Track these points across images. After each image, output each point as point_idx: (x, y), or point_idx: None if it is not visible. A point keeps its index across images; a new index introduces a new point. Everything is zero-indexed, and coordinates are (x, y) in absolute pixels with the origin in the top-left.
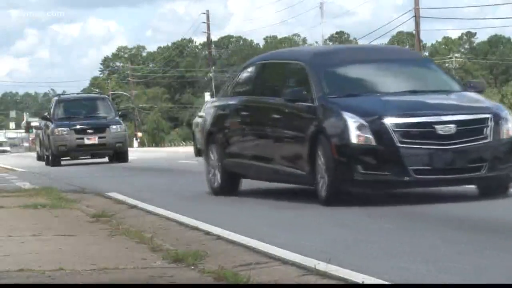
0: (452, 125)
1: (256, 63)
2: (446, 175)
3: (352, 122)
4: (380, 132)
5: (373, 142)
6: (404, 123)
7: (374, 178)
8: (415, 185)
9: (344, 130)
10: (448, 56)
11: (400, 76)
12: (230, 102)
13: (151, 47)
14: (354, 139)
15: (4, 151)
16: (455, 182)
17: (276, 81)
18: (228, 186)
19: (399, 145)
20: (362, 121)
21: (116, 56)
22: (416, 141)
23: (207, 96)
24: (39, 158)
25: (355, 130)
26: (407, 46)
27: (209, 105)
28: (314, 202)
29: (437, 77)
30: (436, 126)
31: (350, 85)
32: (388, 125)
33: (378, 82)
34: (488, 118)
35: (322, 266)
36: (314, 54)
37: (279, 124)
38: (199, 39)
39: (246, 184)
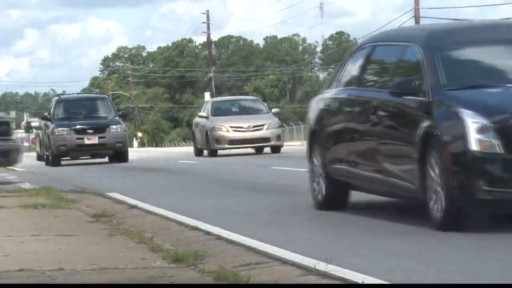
0: None
1: (364, 47)
2: None
3: (472, 122)
4: (509, 135)
5: (500, 149)
6: None
7: (501, 196)
8: None
9: (462, 133)
10: None
11: None
12: (336, 96)
13: (151, 47)
14: (474, 145)
15: None
16: None
17: (384, 69)
18: (334, 199)
19: None
20: (485, 122)
21: (116, 56)
22: None
23: (207, 96)
24: (39, 158)
25: (476, 133)
26: None
27: (315, 99)
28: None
29: None
30: None
31: (475, 73)
32: None
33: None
34: None
35: (322, 266)
36: (430, 33)
37: (384, 124)
38: (199, 39)
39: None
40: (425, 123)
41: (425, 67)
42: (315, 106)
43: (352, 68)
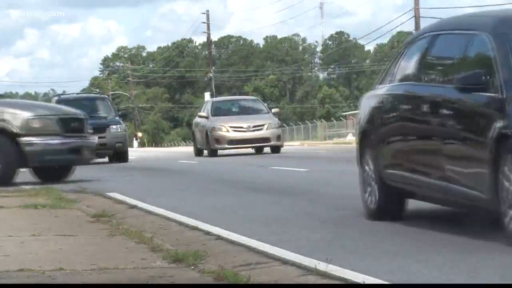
0: None
1: (423, 36)
2: None
3: None
4: None
5: None
6: None
7: None
8: None
9: None
10: None
11: None
12: (390, 92)
13: (151, 47)
14: None
15: None
16: None
17: (447, 61)
18: (388, 207)
19: None
20: None
21: (116, 56)
22: None
23: (207, 96)
24: None
25: None
26: None
27: (365, 96)
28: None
29: None
30: None
31: None
32: None
33: None
34: None
35: (322, 266)
36: (500, 20)
37: (448, 124)
38: (199, 39)
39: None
40: (498, 123)
41: (496, 59)
42: (366, 103)
43: (409, 61)
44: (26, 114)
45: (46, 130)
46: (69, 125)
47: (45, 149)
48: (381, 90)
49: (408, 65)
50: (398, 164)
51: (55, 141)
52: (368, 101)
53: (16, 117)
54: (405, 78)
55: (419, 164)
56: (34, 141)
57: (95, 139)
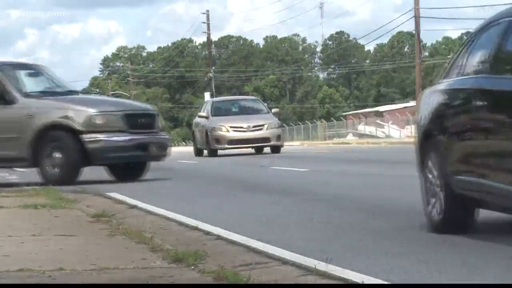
0: None
1: (497, 22)
2: None
3: None
4: None
5: None
6: None
7: None
8: None
9: None
10: (448, 56)
11: None
12: (459, 86)
13: (151, 47)
14: None
15: None
16: None
17: None
18: (456, 218)
19: None
20: None
21: (116, 56)
22: None
23: (207, 96)
24: None
25: None
26: (407, 46)
27: (427, 91)
28: None
29: None
30: None
31: None
32: None
33: None
34: None
35: (322, 266)
36: None
37: None
38: (199, 39)
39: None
40: None
41: None
42: (429, 100)
43: (481, 51)
44: (90, 111)
45: (110, 126)
46: (136, 121)
47: (108, 146)
48: (447, 84)
49: (480, 55)
50: (470, 169)
51: (120, 137)
52: (431, 98)
53: (80, 114)
54: (477, 71)
55: (496, 170)
56: (97, 138)
57: (167, 135)
